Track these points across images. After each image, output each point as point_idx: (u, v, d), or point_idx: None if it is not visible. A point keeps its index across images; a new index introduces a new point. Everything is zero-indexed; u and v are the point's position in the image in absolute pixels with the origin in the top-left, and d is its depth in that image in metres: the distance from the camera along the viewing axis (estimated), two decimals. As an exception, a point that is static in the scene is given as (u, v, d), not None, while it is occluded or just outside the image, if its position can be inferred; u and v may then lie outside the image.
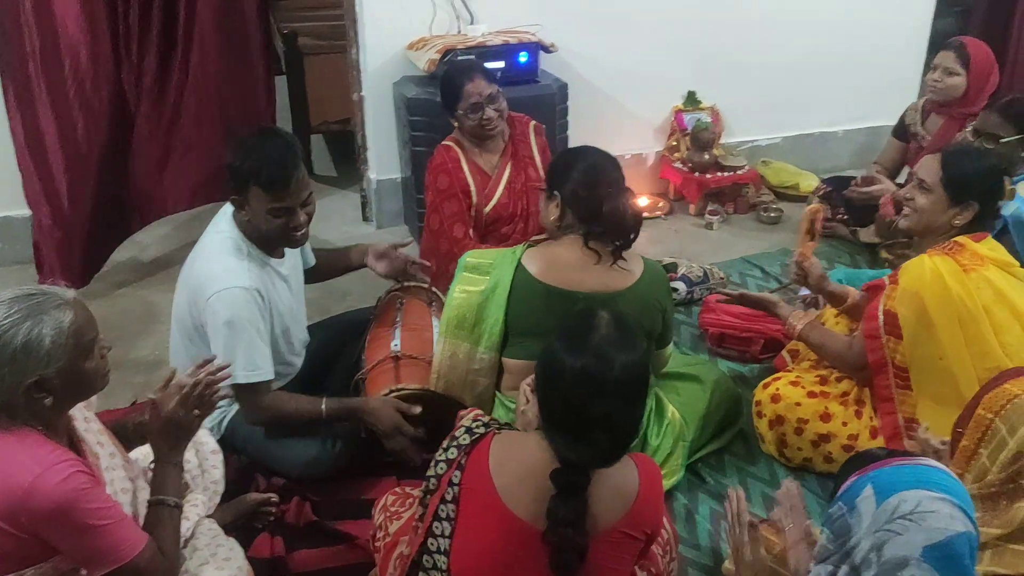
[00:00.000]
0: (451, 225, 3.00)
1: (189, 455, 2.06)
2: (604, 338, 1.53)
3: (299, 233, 2.31)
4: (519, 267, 2.25)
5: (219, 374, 1.84)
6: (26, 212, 3.52)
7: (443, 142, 3.10)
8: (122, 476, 1.78)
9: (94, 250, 3.54)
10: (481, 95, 2.95)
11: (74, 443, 1.71)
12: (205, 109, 3.70)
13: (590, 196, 2.17)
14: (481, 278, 2.28)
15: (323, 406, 2.37)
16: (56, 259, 3.45)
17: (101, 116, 3.39)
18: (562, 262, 2.20)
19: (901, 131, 3.74)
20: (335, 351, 2.78)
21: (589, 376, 1.49)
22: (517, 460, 1.59)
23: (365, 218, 4.21)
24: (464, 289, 2.30)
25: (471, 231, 3.03)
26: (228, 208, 2.36)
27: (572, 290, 2.18)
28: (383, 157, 4.00)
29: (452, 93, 3.00)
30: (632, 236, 2.19)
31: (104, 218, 3.53)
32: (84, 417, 1.78)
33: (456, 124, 3.06)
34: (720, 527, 2.31)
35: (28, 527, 1.52)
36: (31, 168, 3.36)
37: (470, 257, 2.35)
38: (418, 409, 2.37)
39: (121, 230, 3.72)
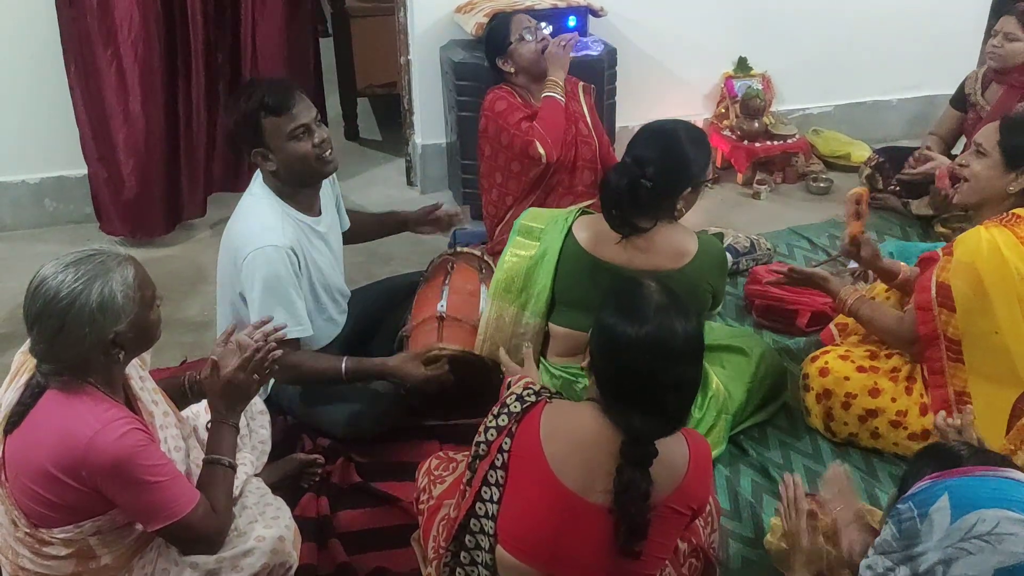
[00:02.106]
0: (518, 123, 2.96)
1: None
2: (659, 306, 1.54)
3: (327, 154, 2.31)
4: (569, 234, 2.24)
5: (276, 334, 1.88)
6: (80, 171, 3.60)
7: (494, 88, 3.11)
8: (175, 434, 1.82)
9: (155, 205, 3.61)
10: (531, 23, 3.04)
11: (130, 401, 1.76)
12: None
13: None
14: (532, 243, 2.29)
15: (343, 366, 2.36)
16: (114, 211, 3.57)
17: (155, 74, 3.43)
18: (612, 236, 2.18)
19: (960, 100, 3.64)
20: (379, 315, 2.81)
21: (655, 344, 1.51)
22: (569, 430, 1.60)
23: (410, 182, 4.21)
24: (515, 253, 2.31)
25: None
26: (259, 174, 2.38)
27: (619, 266, 2.17)
28: (429, 121, 3.99)
29: (500, 32, 3.05)
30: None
31: (163, 177, 3.59)
32: (139, 376, 1.82)
33: (511, 69, 3.06)
34: (762, 500, 2.31)
35: (88, 481, 1.57)
36: (87, 124, 3.45)
37: (523, 219, 2.36)
38: (446, 367, 2.36)
39: (186, 195, 3.74)
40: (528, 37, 3.03)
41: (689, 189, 2.19)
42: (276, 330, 1.90)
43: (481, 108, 3.11)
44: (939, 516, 1.30)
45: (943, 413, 2.01)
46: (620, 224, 2.15)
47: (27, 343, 1.67)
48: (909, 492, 1.37)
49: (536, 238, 2.29)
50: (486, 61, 3.20)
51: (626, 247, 2.17)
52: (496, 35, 3.10)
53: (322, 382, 2.41)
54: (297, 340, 2.33)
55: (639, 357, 1.52)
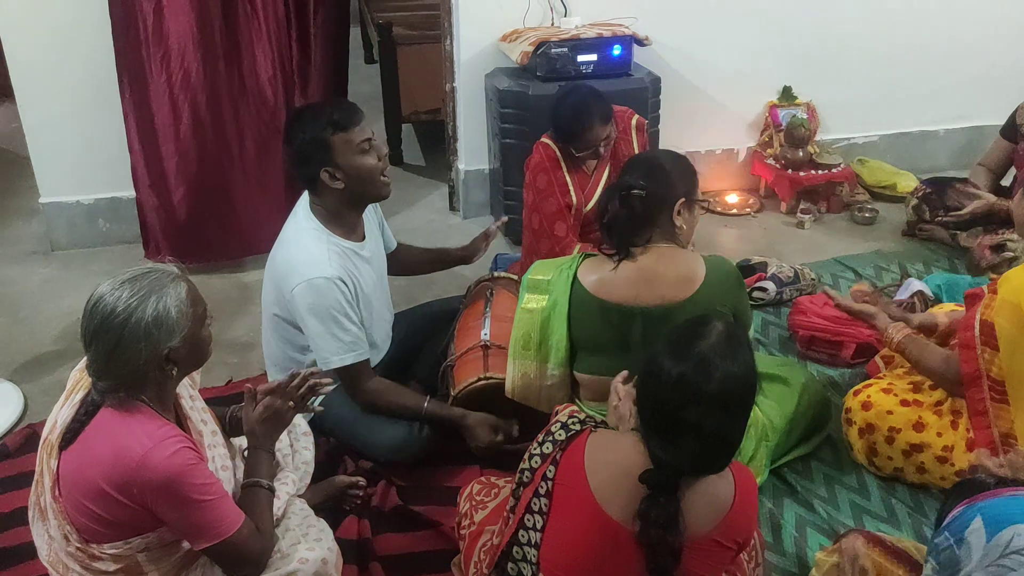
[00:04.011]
0: (552, 224, 2.97)
1: (281, 435, 2.13)
2: (710, 347, 1.51)
3: (386, 179, 2.38)
4: (575, 282, 2.18)
5: (321, 380, 1.94)
6: (131, 193, 3.68)
7: (542, 139, 3.04)
8: (223, 454, 1.85)
9: (201, 232, 3.65)
10: (599, 139, 2.91)
11: (180, 420, 1.79)
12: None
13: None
14: (541, 296, 2.23)
15: (425, 405, 2.42)
16: (162, 238, 3.62)
17: (206, 105, 3.48)
18: (616, 275, 2.13)
19: (1010, 131, 3.59)
20: (421, 339, 2.83)
21: (686, 383, 1.49)
22: (612, 460, 1.60)
23: (452, 208, 4.25)
24: (527, 308, 2.25)
25: (571, 229, 2.98)
26: (304, 200, 2.41)
27: (628, 305, 2.10)
28: (472, 148, 4.04)
29: (572, 131, 2.91)
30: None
31: (212, 203, 3.62)
32: (190, 395, 1.86)
33: (578, 153, 2.96)
34: (806, 534, 2.28)
35: (138, 498, 1.60)
36: (139, 150, 3.51)
37: (530, 275, 2.29)
38: (515, 431, 2.41)
39: (254, 227, 3.70)
40: (586, 151, 2.92)
41: (682, 200, 2.13)
42: (321, 375, 1.97)
43: (526, 163, 3.08)
44: (974, 537, 1.29)
45: (986, 452, 1.97)
46: (615, 242, 2.13)
47: (83, 360, 1.72)
48: (943, 524, 1.37)
49: (544, 291, 2.23)
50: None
51: (631, 284, 2.11)
52: (567, 127, 2.93)
53: (397, 414, 2.44)
54: (364, 363, 2.39)
55: (667, 392, 1.50)
